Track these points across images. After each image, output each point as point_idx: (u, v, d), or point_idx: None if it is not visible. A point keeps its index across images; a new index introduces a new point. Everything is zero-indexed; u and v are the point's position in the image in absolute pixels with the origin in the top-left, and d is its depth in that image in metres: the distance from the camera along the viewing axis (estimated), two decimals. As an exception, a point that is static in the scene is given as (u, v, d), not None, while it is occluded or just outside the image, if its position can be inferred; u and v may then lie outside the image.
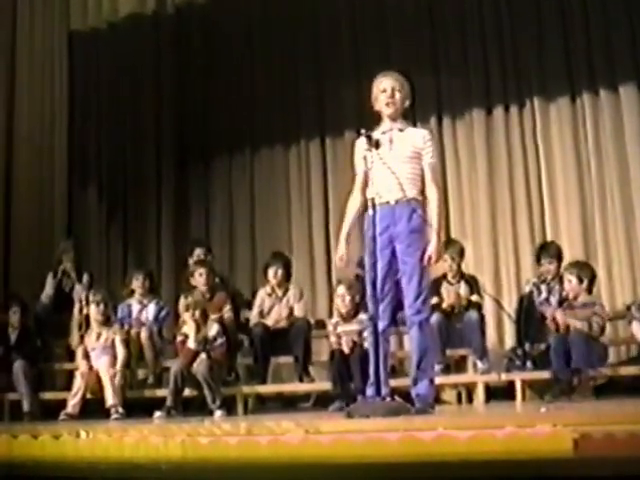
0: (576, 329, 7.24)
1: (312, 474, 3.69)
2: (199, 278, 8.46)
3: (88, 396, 7.93)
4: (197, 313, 7.78)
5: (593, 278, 7.70)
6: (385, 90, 5.61)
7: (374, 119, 5.75)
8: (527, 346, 7.73)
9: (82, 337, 8.24)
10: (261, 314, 8.38)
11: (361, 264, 6.40)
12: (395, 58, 9.96)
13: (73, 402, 7.80)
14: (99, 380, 7.88)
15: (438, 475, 3.46)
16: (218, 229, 10.94)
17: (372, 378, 5.26)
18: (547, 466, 3.29)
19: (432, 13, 10.27)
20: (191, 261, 9.14)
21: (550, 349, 7.31)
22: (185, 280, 8.77)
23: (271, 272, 8.46)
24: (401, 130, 5.64)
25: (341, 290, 7.68)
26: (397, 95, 5.62)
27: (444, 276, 8.12)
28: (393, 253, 5.46)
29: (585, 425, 3.45)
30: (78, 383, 7.91)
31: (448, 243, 8.21)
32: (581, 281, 7.56)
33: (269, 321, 8.27)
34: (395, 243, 5.46)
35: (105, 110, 11.64)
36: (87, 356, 8.09)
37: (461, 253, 8.29)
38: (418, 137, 5.68)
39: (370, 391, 5.31)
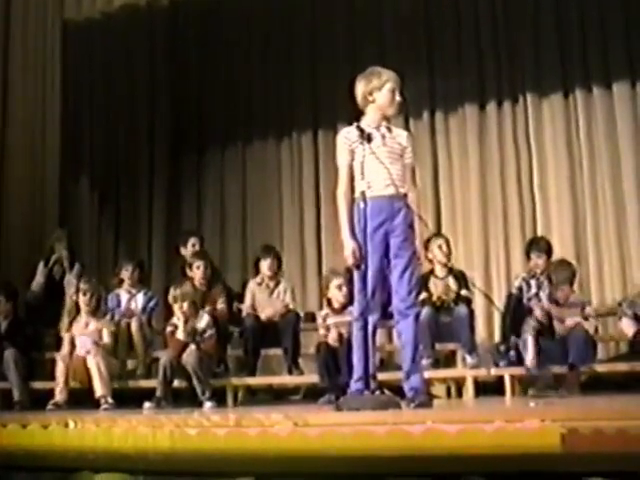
0: (579, 326, 7.28)
1: (300, 466, 3.70)
2: (197, 270, 8.46)
3: (77, 386, 7.92)
4: (185, 305, 7.76)
5: (574, 275, 7.77)
6: (394, 91, 5.61)
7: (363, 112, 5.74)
8: (512, 339, 7.74)
9: (71, 324, 8.21)
10: (252, 306, 8.40)
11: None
12: (389, 53, 9.98)
13: (59, 389, 7.78)
14: (87, 370, 7.86)
15: (427, 469, 3.47)
16: (210, 221, 10.95)
17: (360, 372, 5.28)
18: (535, 460, 3.31)
19: (427, 8, 10.26)
20: (184, 251, 9.14)
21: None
22: (180, 270, 8.77)
23: (265, 265, 8.46)
24: (389, 128, 5.66)
25: (338, 281, 7.66)
26: (399, 98, 5.65)
27: (431, 271, 8.14)
28: (386, 247, 5.47)
29: (573, 420, 3.47)
30: (60, 368, 7.88)
31: (435, 236, 8.28)
32: (571, 284, 7.63)
33: (263, 315, 8.27)
34: (391, 237, 5.45)
35: (98, 100, 11.62)
36: (73, 343, 8.08)
37: (447, 243, 8.30)
38: (403, 137, 5.71)
39: (355, 385, 5.33)
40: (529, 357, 7.18)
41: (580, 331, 7.25)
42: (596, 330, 7.58)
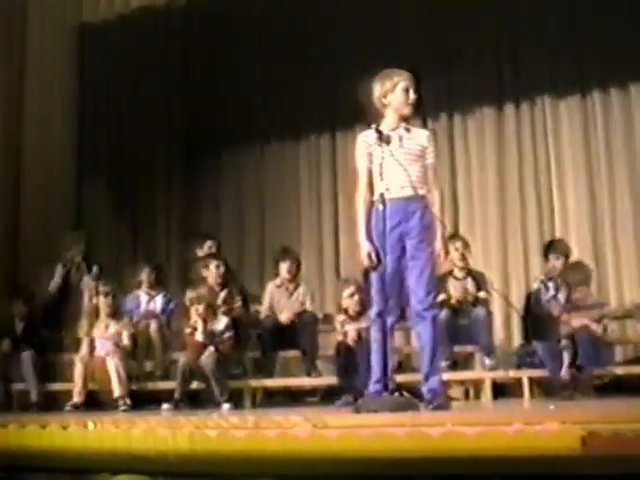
0: (585, 327, 7.25)
1: (319, 468, 3.70)
2: (212, 271, 8.48)
3: (95, 387, 7.95)
4: (201, 308, 7.76)
5: (589, 277, 7.76)
6: (408, 90, 5.61)
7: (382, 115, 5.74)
8: (534, 343, 7.72)
9: (91, 326, 8.23)
10: (271, 308, 8.40)
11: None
12: (407, 55, 9.94)
13: (77, 390, 7.81)
14: (107, 372, 7.87)
15: (446, 471, 3.46)
16: (227, 222, 10.94)
17: (378, 374, 5.28)
18: (555, 463, 3.30)
19: (445, 10, 10.23)
20: (201, 253, 9.14)
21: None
22: (196, 272, 8.77)
23: (285, 267, 8.48)
24: (407, 129, 5.65)
25: (350, 290, 7.67)
26: (414, 95, 5.63)
27: (450, 272, 8.13)
28: (403, 249, 5.46)
29: (593, 423, 3.46)
30: (78, 369, 7.91)
31: (452, 237, 8.25)
32: (587, 285, 7.62)
33: (282, 317, 8.27)
34: (406, 239, 5.45)
35: (115, 101, 11.64)
36: (92, 345, 8.09)
37: (465, 245, 8.30)
38: (423, 137, 5.70)
39: (374, 387, 5.32)
40: (564, 367, 7.18)
41: (584, 333, 7.23)
42: (604, 330, 7.54)
